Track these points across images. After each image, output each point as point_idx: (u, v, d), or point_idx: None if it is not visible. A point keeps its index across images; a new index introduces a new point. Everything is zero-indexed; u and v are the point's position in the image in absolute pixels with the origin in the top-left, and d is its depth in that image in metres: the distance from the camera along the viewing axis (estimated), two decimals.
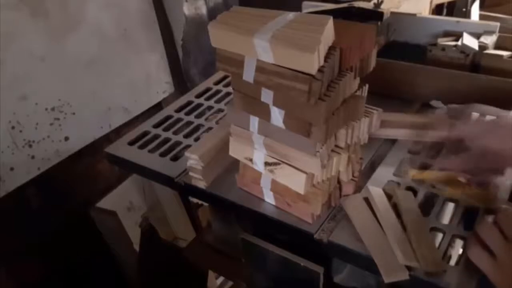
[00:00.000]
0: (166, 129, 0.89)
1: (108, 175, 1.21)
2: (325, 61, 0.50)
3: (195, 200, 1.08)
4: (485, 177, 0.62)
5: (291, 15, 0.54)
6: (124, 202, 1.26)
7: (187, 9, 1.23)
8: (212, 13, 1.30)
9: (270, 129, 0.59)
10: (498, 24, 0.90)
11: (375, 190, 0.65)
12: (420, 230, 0.58)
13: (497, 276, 0.48)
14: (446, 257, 0.58)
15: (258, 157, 0.63)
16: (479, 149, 0.58)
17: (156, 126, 0.91)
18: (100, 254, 1.20)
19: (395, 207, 0.62)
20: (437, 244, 0.58)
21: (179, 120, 0.92)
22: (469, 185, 0.63)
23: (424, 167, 0.69)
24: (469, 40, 0.87)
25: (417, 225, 0.59)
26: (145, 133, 0.89)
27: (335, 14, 0.90)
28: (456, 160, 0.60)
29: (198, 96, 1.00)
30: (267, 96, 0.55)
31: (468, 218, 0.61)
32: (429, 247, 0.56)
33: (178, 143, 0.85)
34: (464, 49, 0.87)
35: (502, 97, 0.77)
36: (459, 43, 0.88)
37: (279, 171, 0.61)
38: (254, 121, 0.60)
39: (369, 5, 0.94)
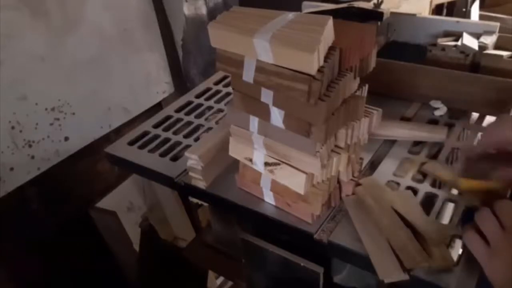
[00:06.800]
0: (166, 129, 0.89)
1: (108, 175, 1.21)
2: (325, 61, 0.50)
3: (195, 200, 1.08)
4: None
5: (291, 15, 0.54)
6: (124, 202, 1.26)
7: (187, 9, 1.23)
8: (212, 13, 1.30)
9: (270, 129, 0.59)
10: (498, 24, 0.90)
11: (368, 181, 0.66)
12: (425, 228, 0.58)
13: (490, 265, 0.48)
14: None
15: (258, 157, 0.63)
16: None
17: (156, 126, 0.91)
18: (100, 254, 1.20)
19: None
20: None
21: (179, 120, 0.92)
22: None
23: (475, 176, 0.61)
24: (469, 40, 0.87)
25: (422, 223, 0.59)
26: (145, 133, 0.89)
27: (335, 14, 0.90)
28: None
29: (198, 96, 1.00)
30: (267, 96, 0.55)
31: (468, 218, 0.61)
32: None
33: (178, 143, 0.85)
34: (464, 49, 0.87)
35: (502, 97, 0.77)
36: (459, 43, 0.88)
37: (279, 171, 0.61)
38: (254, 121, 0.60)
39: (369, 5, 0.94)
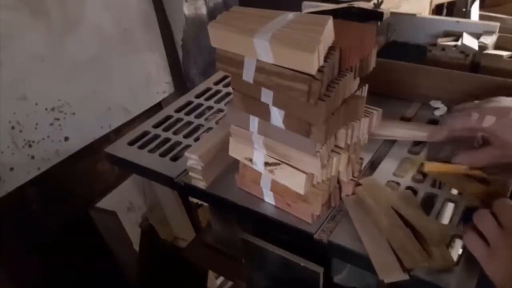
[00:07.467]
0: (166, 129, 0.89)
1: (108, 175, 1.21)
2: (325, 61, 0.50)
3: (195, 200, 1.08)
4: (505, 174, 0.60)
5: (291, 15, 0.54)
6: (124, 202, 1.26)
7: (187, 9, 1.23)
8: (212, 13, 1.30)
9: (270, 129, 0.59)
10: (498, 24, 0.90)
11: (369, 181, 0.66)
12: (425, 228, 0.58)
13: (490, 264, 0.48)
14: None
15: (258, 157, 0.63)
16: (501, 143, 0.56)
17: (156, 126, 0.91)
18: (100, 254, 1.20)
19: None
20: None
21: (179, 120, 0.92)
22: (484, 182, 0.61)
23: (441, 161, 0.66)
24: (469, 40, 0.87)
25: (422, 222, 0.59)
26: (145, 133, 0.89)
27: (335, 14, 0.90)
28: (480, 154, 0.59)
29: (198, 96, 1.00)
30: (267, 96, 0.55)
31: (468, 218, 0.61)
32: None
33: (178, 143, 0.85)
34: (464, 49, 0.87)
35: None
36: (459, 43, 0.88)
37: (279, 171, 0.61)
38: (254, 121, 0.60)
39: (369, 5, 0.94)
